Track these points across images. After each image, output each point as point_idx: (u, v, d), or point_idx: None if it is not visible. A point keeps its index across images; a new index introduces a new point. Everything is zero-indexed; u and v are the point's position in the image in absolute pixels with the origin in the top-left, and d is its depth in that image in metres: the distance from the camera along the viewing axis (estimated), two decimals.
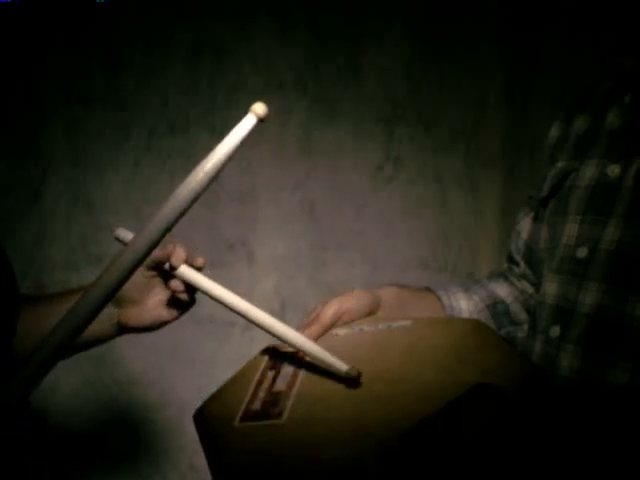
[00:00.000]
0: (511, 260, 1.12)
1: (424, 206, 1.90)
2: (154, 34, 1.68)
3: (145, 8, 1.67)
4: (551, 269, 0.96)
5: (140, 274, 0.88)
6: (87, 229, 1.66)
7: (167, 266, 0.87)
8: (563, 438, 0.73)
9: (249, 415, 0.73)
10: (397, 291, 1.00)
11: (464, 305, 1.04)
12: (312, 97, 1.79)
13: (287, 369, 0.81)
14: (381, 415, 0.67)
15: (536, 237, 1.04)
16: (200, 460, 0.74)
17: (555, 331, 0.91)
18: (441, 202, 1.91)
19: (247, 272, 1.77)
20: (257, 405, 0.74)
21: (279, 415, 0.71)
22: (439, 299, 1.04)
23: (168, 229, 0.67)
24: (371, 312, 0.94)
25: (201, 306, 0.91)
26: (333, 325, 0.89)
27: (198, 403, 0.80)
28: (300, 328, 0.86)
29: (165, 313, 0.91)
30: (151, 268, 0.89)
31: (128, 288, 0.79)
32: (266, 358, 0.85)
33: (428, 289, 1.06)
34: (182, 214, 0.66)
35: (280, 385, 0.77)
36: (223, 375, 0.84)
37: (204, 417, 0.77)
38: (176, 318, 0.92)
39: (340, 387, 0.73)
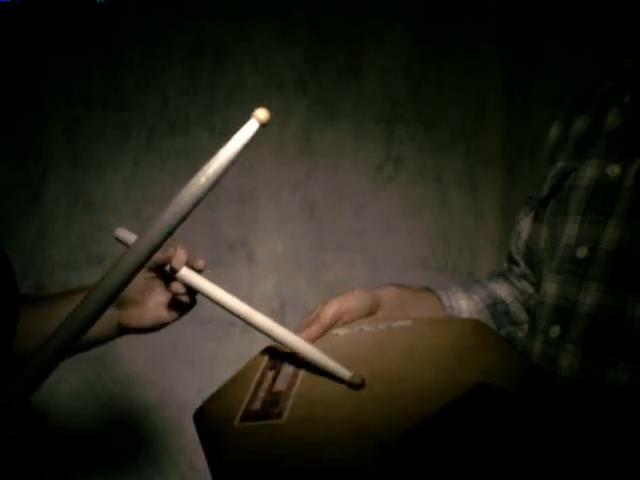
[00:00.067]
0: (511, 260, 1.12)
1: (424, 206, 1.90)
2: (154, 34, 1.68)
3: (145, 8, 1.67)
4: (551, 269, 0.96)
5: (141, 276, 0.88)
6: (87, 229, 1.67)
7: (168, 268, 0.87)
8: (563, 438, 0.73)
9: (249, 415, 0.73)
10: (397, 291, 1.00)
11: (464, 305, 1.04)
12: (312, 97, 1.79)
13: (287, 369, 0.81)
14: (381, 415, 0.67)
15: (536, 237, 1.04)
16: (200, 460, 0.74)
17: (555, 331, 0.91)
18: (441, 202, 1.91)
19: (247, 272, 1.77)
20: (257, 405, 0.74)
21: (279, 415, 0.71)
22: (439, 299, 1.04)
23: (170, 233, 0.67)
24: (371, 312, 0.94)
25: (201, 306, 0.91)
26: (333, 325, 0.89)
27: (198, 403, 0.80)
28: (300, 328, 0.86)
29: (165, 314, 0.91)
30: (152, 270, 0.89)
31: (129, 289, 0.79)
32: (266, 358, 0.85)
33: (428, 289, 1.06)
34: (184, 218, 0.66)
35: (280, 385, 0.77)
36: (223, 375, 0.84)
37: (204, 417, 0.77)
38: (176, 319, 0.92)
39: (340, 387, 0.73)
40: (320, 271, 1.81)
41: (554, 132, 1.06)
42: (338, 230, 1.83)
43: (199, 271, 0.87)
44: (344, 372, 0.74)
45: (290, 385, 0.76)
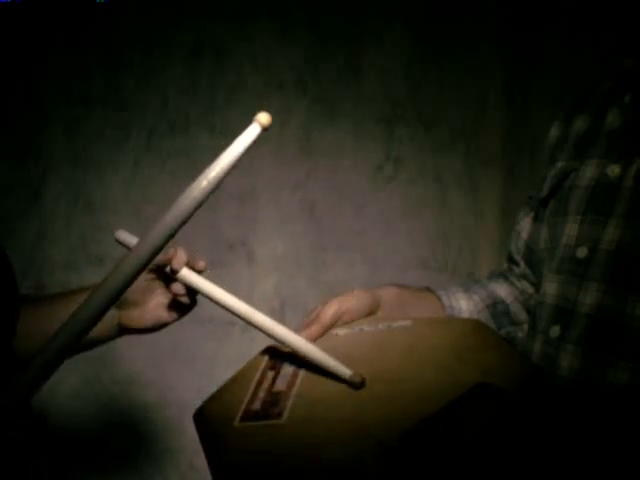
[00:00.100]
0: (511, 260, 1.12)
1: (424, 206, 1.90)
2: (154, 34, 1.68)
3: (145, 8, 1.67)
4: (551, 269, 0.96)
5: (141, 277, 0.88)
6: (87, 229, 1.67)
7: (168, 269, 0.87)
8: (563, 438, 0.73)
9: (249, 415, 0.73)
10: (397, 291, 1.00)
11: (464, 305, 1.04)
12: (312, 97, 1.79)
13: (287, 369, 0.81)
14: (381, 415, 0.67)
15: (536, 237, 1.04)
16: (200, 460, 0.74)
17: (555, 331, 0.91)
18: (441, 202, 1.91)
19: (247, 272, 1.77)
20: (257, 405, 0.74)
21: (279, 415, 0.71)
22: (439, 299, 1.04)
23: (171, 235, 0.67)
24: (371, 312, 0.94)
25: (201, 306, 0.91)
26: (333, 325, 0.89)
27: (198, 403, 0.80)
28: (300, 328, 0.86)
29: (166, 315, 0.91)
30: (152, 271, 0.89)
31: (129, 290, 0.79)
32: (266, 358, 0.85)
33: (428, 289, 1.06)
34: (185, 221, 0.66)
35: (280, 385, 0.77)
36: (223, 375, 0.84)
37: (204, 417, 0.77)
38: (176, 320, 0.92)
39: (340, 387, 0.73)
40: (320, 271, 1.81)
41: (554, 132, 1.06)
42: (338, 230, 1.83)
43: (200, 272, 0.87)
44: (344, 370, 0.74)
45: (290, 385, 0.76)
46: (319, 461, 0.63)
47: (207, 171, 0.66)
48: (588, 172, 0.94)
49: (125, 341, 0.99)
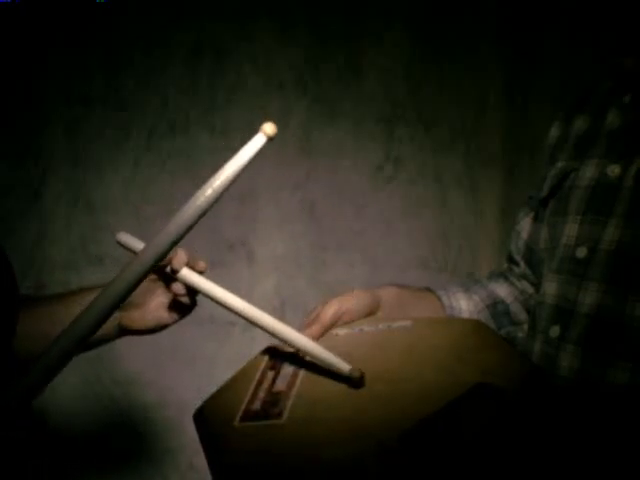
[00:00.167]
0: (511, 260, 1.12)
1: (424, 206, 1.90)
2: (154, 34, 1.68)
3: (145, 8, 1.67)
4: (551, 269, 0.96)
5: None
6: (87, 229, 1.67)
7: (169, 269, 0.87)
8: (563, 438, 0.73)
9: (249, 415, 0.73)
10: (397, 291, 1.00)
11: (464, 305, 1.04)
12: (312, 97, 1.79)
13: (287, 369, 0.81)
14: (381, 415, 0.67)
15: (536, 237, 1.04)
16: (200, 460, 0.74)
17: (555, 331, 0.91)
18: (441, 202, 1.91)
19: (247, 272, 1.77)
20: (257, 405, 0.74)
21: (279, 415, 0.71)
22: (439, 299, 1.04)
23: (175, 242, 0.68)
24: (371, 312, 0.94)
25: (201, 306, 0.91)
26: (333, 325, 0.89)
27: (198, 403, 0.80)
28: (300, 328, 0.86)
29: (166, 316, 0.91)
30: (153, 271, 0.89)
31: None
32: (266, 358, 0.85)
33: (428, 289, 1.06)
34: (189, 229, 0.67)
35: (280, 385, 0.77)
36: (223, 375, 0.84)
37: (204, 417, 0.77)
38: (177, 321, 0.92)
39: (340, 387, 0.73)
40: (320, 271, 1.81)
41: (554, 132, 1.06)
42: (338, 230, 1.83)
43: (201, 273, 0.87)
44: (344, 365, 0.74)
45: (290, 385, 0.76)
46: (319, 461, 0.63)
47: (212, 179, 0.67)
48: (588, 172, 0.94)
49: (125, 341, 0.99)
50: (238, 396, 0.77)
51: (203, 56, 1.72)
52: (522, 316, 1.06)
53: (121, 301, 0.68)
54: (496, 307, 1.06)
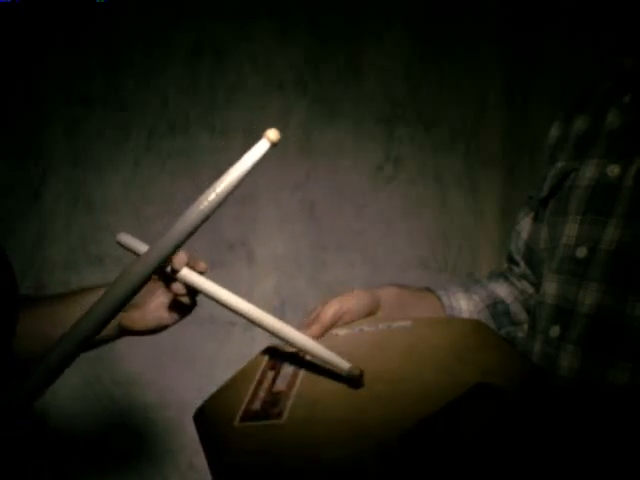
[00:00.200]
0: (511, 260, 1.12)
1: (424, 206, 1.90)
2: (154, 34, 1.68)
3: (145, 8, 1.67)
4: (551, 269, 0.96)
5: None
6: (87, 229, 1.67)
7: (169, 269, 0.87)
8: (563, 438, 0.73)
9: (249, 415, 0.73)
10: (397, 291, 1.00)
11: (464, 305, 1.04)
12: (312, 97, 1.79)
13: (287, 369, 0.81)
14: (381, 415, 0.67)
15: (536, 237, 1.04)
16: (200, 460, 0.74)
17: (555, 331, 0.91)
18: (441, 202, 1.91)
19: (247, 272, 1.77)
20: (257, 405, 0.74)
21: (279, 415, 0.71)
22: (439, 299, 1.04)
23: (178, 246, 0.68)
24: (371, 312, 0.94)
25: (202, 306, 0.91)
26: (333, 325, 0.89)
27: (198, 403, 0.80)
28: (300, 328, 0.86)
29: (167, 316, 0.91)
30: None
31: None
32: (266, 358, 0.85)
33: (428, 289, 1.06)
34: (192, 233, 0.67)
35: (280, 385, 0.77)
36: (223, 375, 0.84)
37: (204, 417, 0.77)
38: (177, 321, 0.92)
39: (340, 387, 0.73)
40: (320, 271, 1.81)
41: (554, 132, 1.06)
42: (338, 230, 1.83)
43: (201, 273, 0.87)
44: (343, 363, 0.74)
45: (290, 385, 0.76)
46: (319, 461, 0.63)
47: (215, 184, 0.67)
48: (588, 172, 0.94)
49: (125, 341, 0.99)
50: (238, 396, 0.77)
51: (203, 56, 1.72)
52: (522, 316, 1.06)
53: (123, 305, 0.68)
54: (496, 307, 1.06)
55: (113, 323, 0.91)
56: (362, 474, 0.61)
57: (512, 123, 1.90)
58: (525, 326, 1.05)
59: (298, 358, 0.81)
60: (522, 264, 1.09)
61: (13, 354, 0.86)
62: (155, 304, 0.90)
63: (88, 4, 1.61)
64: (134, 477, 1.73)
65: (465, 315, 1.03)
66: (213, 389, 0.82)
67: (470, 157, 1.92)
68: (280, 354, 0.85)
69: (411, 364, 0.76)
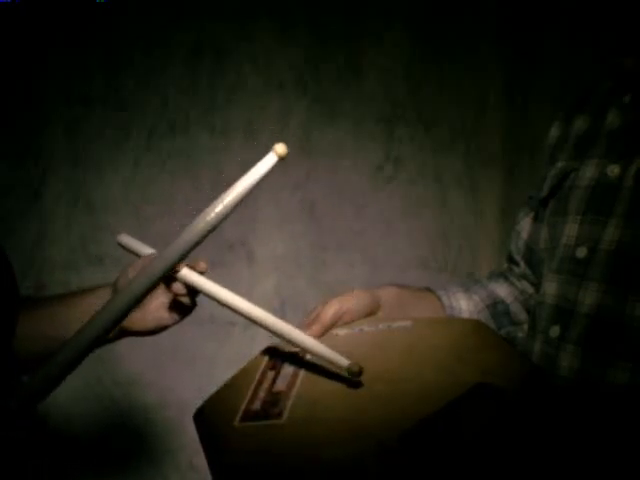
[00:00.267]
0: (511, 260, 1.12)
1: (424, 206, 1.90)
2: (154, 34, 1.68)
3: (145, 8, 1.67)
4: (551, 269, 0.96)
5: None
6: (87, 229, 1.67)
7: None
8: (563, 438, 0.73)
9: (249, 415, 0.73)
10: (397, 291, 1.00)
11: (464, 305, 1.04)
12: (312, 97, 1.79)
13: (287, 369, 0.81)
14: (381, 415, 0.67)
15: (536, 237, 1.04)
16: (201, 460, 0.74)
17: (555, 331, 0.91)
18: (441, 202, 1.91)
19: (247, 272, 1.77)
20: (257, 405, 0.74)
21: (279, 415, 0.71)
22: (439, 299, 1.04)
23: (184, 256, 0.69)
24: (371, 312, 0.94)
25: (201, 306, 0.91)
26: (333, 325, 0.89)
27: (198, 403, 0.80)
28: (300, 328, 0.86)
29: (167, 316, 0.91)
30: None
31: None
32: (266, 358, 0.85)
33: (428, 289, 1.06)
34: (198, 243, 0.68)
35: (280, 385, 0.77)
36: (223, 375, 0.84)
37: (204, 417, 0.77)
38: (177, 322, 0.92)
39: (340, 387, 0.73)
40: (320, 271, 1.81)
41: (554, 132, 1.06)
42: (338, 230, 1.83)
43: (201, 273, 0.87)
44: (342, 360, 0.74)
45: (290, 385, 0.76)
46: (319, 461, 0.63)
47: (223, 196, 0.68)
48: (588, 172, 0.94)
49: (125, 342, 0.99)
50: (238, 396, 0.77)
51: (203, 56, 1.72)
52: (522, 316, 1.06)
53: (126, 314, 0.69)
54: (496, 307, 1.06)
55: None
56: (362, 474, 0.61)
57: (512, 123, 1.90)
58: (525, 326, 1.05)
59: (298, 358, 0.82)
60: (522, 264, 1.09)
61: (13, 354, 0.86)
62: (155, 304, 0.90)
63: (88, 4, 1.61)
64: (134, 477, 1.73)
65: (465, 315, 1.03)
66: (213, 389, 0.82)
67: (470, 157, 1.92)
68: (280, 354, 0.85)
69: (411, 364, 0.76)
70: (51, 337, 0.89)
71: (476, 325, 0.84)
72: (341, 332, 0.88)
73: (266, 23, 1.75)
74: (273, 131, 1.75)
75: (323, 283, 1.80)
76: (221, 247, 1.74)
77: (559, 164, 1.00)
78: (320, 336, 0.87)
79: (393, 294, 0.98)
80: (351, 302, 0.91)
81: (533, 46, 1.82)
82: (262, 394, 0.76)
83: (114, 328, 0.68)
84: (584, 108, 1.02)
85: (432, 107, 1.88)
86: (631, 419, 0.83)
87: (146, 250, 0.91)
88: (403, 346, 0.81)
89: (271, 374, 0.81)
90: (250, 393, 0.77)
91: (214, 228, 0.68)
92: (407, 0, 1.84)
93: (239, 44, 1.73)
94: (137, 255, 0.91)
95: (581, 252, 0.91)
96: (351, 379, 0.72)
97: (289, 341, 0.80)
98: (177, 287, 0.87)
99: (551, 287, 0.95)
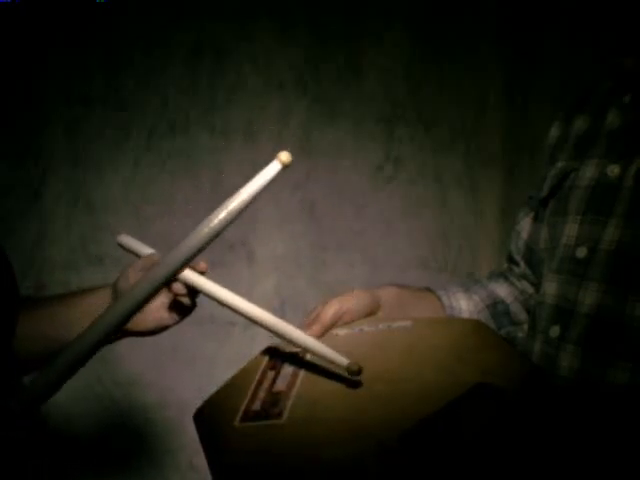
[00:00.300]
0: (511, 260, 1.12)
1: (424, 206, 1.90)
2: (154, 34, 1.68)
3: (145, 8, 1.67)
4: (551, 269, 0.96)
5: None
6: (87, 229, 1.67)
7: None
8: (563, 438, 0.73)
9: (249, 415, 0.73)
10: (397, 291, 1.00)
11: (464, 305, 1.04)
12: (312, 97, 1.79)
13: (287, 369, 0.81)
14: (381, 415, 0.67)
15: (536, 237, 1.04)
16: (201, 460, 0.74)
17: (555, 331, 0.91)
18: (441, 202, 1.91)
19: (247, 272, 1.77)
20: (257, 405, 0.74)
21: (279, 415, 0.71)
22: (439, 299, 1.04)
23: (187, 262, 0.69)
24: (371, 312, 0.94)
25: (201, 306, 0.91)
26: (333, 325, 0.89)
27: (198, 403, 0.80)
28: (300, 328, 0.86)
29: (167, 317, 0.91)
30: None
31: None
32: (266, 358, 0.85)
33: (428, 289, 1.06)
34: (201, 250, 0.68)
35: (280, 385, 0.77)
36: (223, 375, 0.84)
37: (204, 417, 0.77)
38: (177, 322, 0.92)
39: (340, 387, 0.73)
40: (320, 271, 1.81)
41: (554, 132, 1.06)
42: (338, 230, 1.83)
43: (201, 273, 0.87)
44: (342, 359, 0.74)
45: (290, 385, 0.76)
46: (319, 461, 0.63)
47: (227, 202, 0.68)
48: (588, 172, 0.94)
49: (125, 342, 0.99)
50: (238, 396, 0.77)
51: (203, 56, 1.72)
52: (522, 316, 1.06)
53: (128, 319, 0.69)
54: (496, 307, 1.06)
55: None
56: (362, 474, 0.61)
57: (512, 123, 1.90)
58: (525, 326, 1.05)
59: (298, 358, 0.82)
60: (522, 264, 1.09)
61: (13, 354, 0.86)
62: (155, 305, 0.90)
63: (88, 4, 1.61)
64: (134, 477, 1.73)
65: (465, 315, 1.03)
66: (213, 389, 0.82)
67: (470, 157, 1.92)
68: (280, 354, 0.85)
69: (411, 364, 0.76)
70: (51, 337, 0.89)
71: (476, 325, 0.84)
72: (341, 332, 0.88)
73: (266, 23, 1.74)
74: (273, 131, 1.75)
75: (323, 283, 1.80)
76: (221, 247, 1.74)
77: (559, 164, 1.00)
78: (320, 336, 0.87)
79: (393, 294, 0.98)
80: (351, 302, 0.92)
81: (533, 46, 1.82)
82: (262, 394, 0.76)
83: (115, 333, 0.68)
84: (584, 108, 1.02)
85: (432, 107, 1.88)
86: (631, 419, 0.83)
87: (146, 250, 0.91)
88: (403, 346, 0.81)
89: (271, 374, 0.81)
90: (250, 393, 0.77)
91: (217, 235, 0.68)
92: (407, 0, 1.84)
93: (239, 44, 1.73)
94: (137, 255, 0.91)
95: (581, 252, 0.91)
96: (351, 378, 0.72)
97: (289, 341, 0.80)
98: (177, 287, 0.87)
99: (551, 287, 0.95)
